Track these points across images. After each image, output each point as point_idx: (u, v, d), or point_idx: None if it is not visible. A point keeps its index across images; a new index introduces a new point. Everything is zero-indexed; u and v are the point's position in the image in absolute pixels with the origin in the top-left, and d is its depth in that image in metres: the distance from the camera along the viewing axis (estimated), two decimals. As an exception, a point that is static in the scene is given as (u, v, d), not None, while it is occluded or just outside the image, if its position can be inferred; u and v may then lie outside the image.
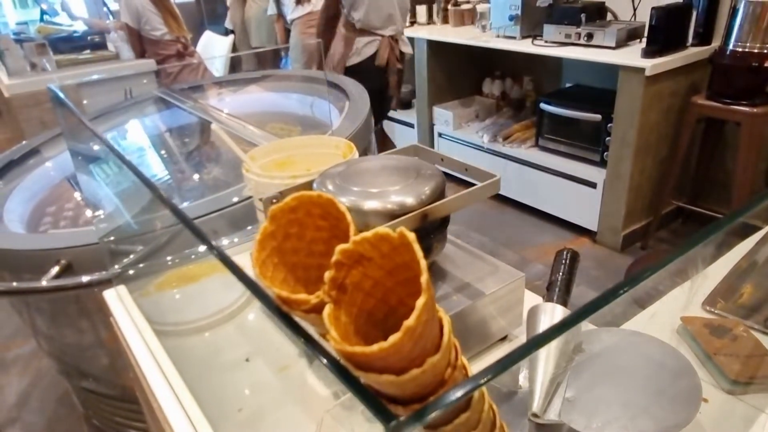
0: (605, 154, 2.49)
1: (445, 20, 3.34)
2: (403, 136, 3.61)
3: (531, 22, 2.67)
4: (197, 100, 2.03)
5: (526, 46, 2.61)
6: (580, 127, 2.60)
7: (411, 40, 3.15)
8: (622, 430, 0.52)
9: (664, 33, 2.22)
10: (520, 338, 0.71)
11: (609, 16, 2.63)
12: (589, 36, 2.42)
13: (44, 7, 3.97)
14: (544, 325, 0.63)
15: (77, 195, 1.60)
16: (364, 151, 1.53)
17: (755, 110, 2.07)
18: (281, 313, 0.31)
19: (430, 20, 3.41)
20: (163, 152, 1.93)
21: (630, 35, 2.43)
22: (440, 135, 3.30)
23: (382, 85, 2.61)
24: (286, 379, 0.71)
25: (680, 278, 0.77)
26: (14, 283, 1.18)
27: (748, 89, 2.08)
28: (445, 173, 0.65)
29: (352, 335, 0.30)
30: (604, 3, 2.61)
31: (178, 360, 0.74)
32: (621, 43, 2.38)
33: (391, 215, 0.57)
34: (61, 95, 0.77)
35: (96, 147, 0.94)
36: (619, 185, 2.43)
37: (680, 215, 2.72)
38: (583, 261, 0.72)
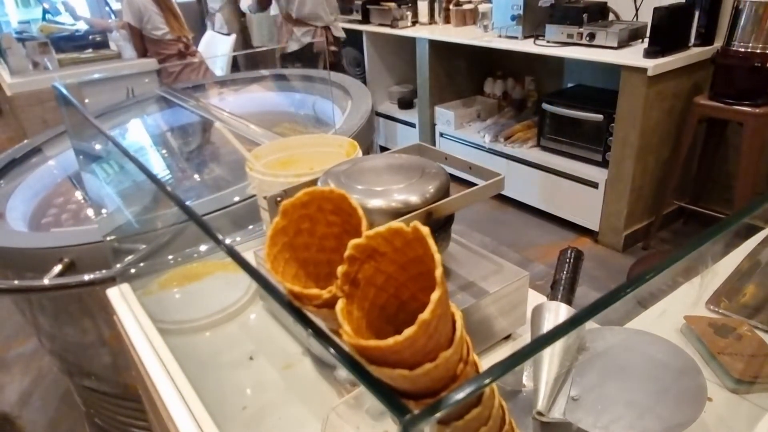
0: (607, 154, 2.49)
1: (447, 20, 3.33)
2: (405, 135, 3.62)
3: (533, 22, 2.67)
4: (199, 100, 2.03)
5: (527, 46, 2.61)
6: (581, 127, 2.60)
7: (413, 39, 3.18)
8: (627, 429, 0.52)
9: (666, 33, 2.22)
10: (524, 337, 0.71)
11: (611, 16, 2.63)
12: (591, 36, 2.42)
13: (46, 6, 3.98)
14: (549, 323, 0.63)
15: (79, 193, 1.60)
16: (366, 150, 1.53)
17: (757, 110, 2.07)
18: (293, 308, 0.31)
19: (431, 20, 3.41)
20: (164, 151, 1.94)
21: (632, 35, 2.43)
22: (442, 135, 3.30)
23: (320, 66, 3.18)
24: (290, 377, 0.71)
25: (684, 278, 0.77)
26: (17, 282, 1.17)
27: (750, 89, 2.07)
28: (448, 173, 0.65)
29: (364, 330, 0.30)
30: (606, 3, 2.61)
31: (182, 358, 0.74)
32: (623, 43, 2.38)
33: (395, 213, 0.57)
34: (66, 93, 0.77)
35: (100, 145, 0.94)
36: (621, 185, 2.43)
37: (682, 215, 2.72)
38: (584, 261, 0.72)
